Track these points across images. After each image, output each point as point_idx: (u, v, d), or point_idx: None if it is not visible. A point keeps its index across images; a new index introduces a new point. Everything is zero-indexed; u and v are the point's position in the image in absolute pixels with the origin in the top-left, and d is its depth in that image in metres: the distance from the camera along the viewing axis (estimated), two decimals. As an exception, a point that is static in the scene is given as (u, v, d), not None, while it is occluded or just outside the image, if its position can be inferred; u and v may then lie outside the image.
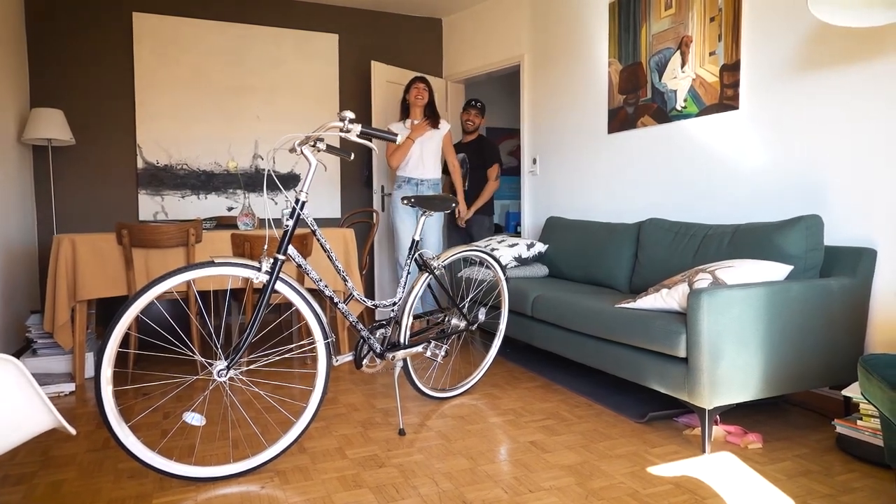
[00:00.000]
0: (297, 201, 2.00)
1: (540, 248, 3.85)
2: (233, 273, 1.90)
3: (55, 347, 3.14)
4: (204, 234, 3.27)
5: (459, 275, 3.86)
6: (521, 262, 3.78)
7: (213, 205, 4.65)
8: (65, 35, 4.22)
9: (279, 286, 1.97)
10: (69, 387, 2.92)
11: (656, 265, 2.99)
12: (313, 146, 1.97)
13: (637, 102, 3.51)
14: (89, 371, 3.18)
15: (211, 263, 1.86)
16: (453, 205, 2.46)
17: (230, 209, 4.71)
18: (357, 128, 1.88)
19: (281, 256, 1.95)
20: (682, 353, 2.09)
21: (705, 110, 3.06)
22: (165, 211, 4.53)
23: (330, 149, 1.99)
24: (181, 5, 4.51)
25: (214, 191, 4.65)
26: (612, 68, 3.69)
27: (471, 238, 4.65)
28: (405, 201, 2.34)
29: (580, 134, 4.02)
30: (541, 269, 3.79)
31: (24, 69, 4.06)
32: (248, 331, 1.91)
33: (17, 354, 3.44)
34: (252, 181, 4.77)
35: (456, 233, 4.67)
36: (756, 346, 2.07)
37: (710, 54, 3.01)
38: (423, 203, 2.38)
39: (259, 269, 1.92)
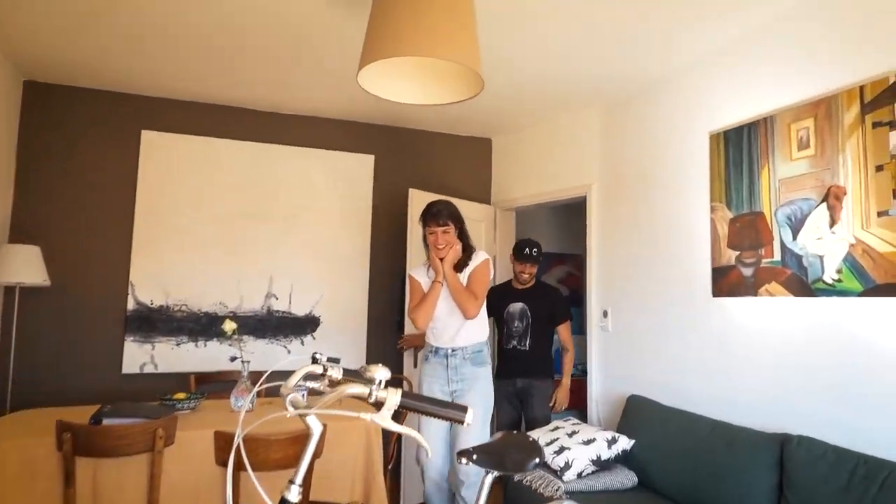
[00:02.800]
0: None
1: (624, 444, 2.91)
2: None
3: None
4: (179, 430, 2.43)
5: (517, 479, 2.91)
6: (601, 465, 2.83)
7: (212, 355, 3.86)
8: (62, 159, 3.64)
9: None
10: None
11: (825, 522, 2.02)
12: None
13: (758, 263, 2.66)
14: None
15: None
16: (536, 460, 1.58)
17: (234, 359, 3.90)
18: (394, 399, 1.05)
19: None
20: None
21: (875, 290, 2.19)
22: (155, 362, 3.74)
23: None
24: (193, 124, 3.94)
25: (216, 337, 3.87)
26: (717, 215, 2.89)
27: (528, 412, 3.59)
28: (464, 460, 1.47)
29: (671, 290, 3.17)
30: (627, 478, 2.83)
31: (8, 199, 3.46)
32: None
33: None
34: (262, 326, 3.99)
35: (509, 405, 3.61)
36: None
37: (881, 214, 2.19)
38: (491, 460, 1.50)
39: None
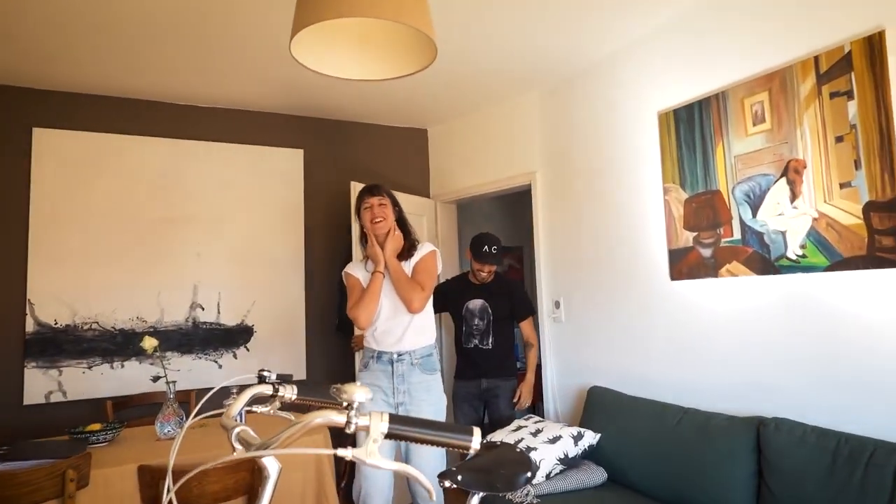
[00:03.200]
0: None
1: (590, 438, 2.78)
2: None
3: None
4: (95, 468, 2.08)
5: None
6: (569, 463, 2.69)
7: (132, 376, 3.44)
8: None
9: None
10: None
11: (812, 507, 1.94)
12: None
13: (717, 243, 2.59)
14: None
15: None
16: (528, 474, 1.38)
17: (156, 378, 3.50)
18: (380, 427, 0.81)
19: None
20: None
21: (842, 263, 2.15)
22: (63, 389, 3.29)
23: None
24: (97, 119, 3.50)
25: (135, 356, 3.46)
26: (671, 196, 2.81)
27: (493, 412, 3.37)
28: (447, 482, 1.26)
29: (626, 276, 3.07)
30: (596, 474, 2.70)
31: None
32: None
33: None
34: (188, 340, 3.61)
35: (469, 407, 3.37)
36: None
37: (843, 186, 2.14)
38: (479, 479, 1.30)
39: None
